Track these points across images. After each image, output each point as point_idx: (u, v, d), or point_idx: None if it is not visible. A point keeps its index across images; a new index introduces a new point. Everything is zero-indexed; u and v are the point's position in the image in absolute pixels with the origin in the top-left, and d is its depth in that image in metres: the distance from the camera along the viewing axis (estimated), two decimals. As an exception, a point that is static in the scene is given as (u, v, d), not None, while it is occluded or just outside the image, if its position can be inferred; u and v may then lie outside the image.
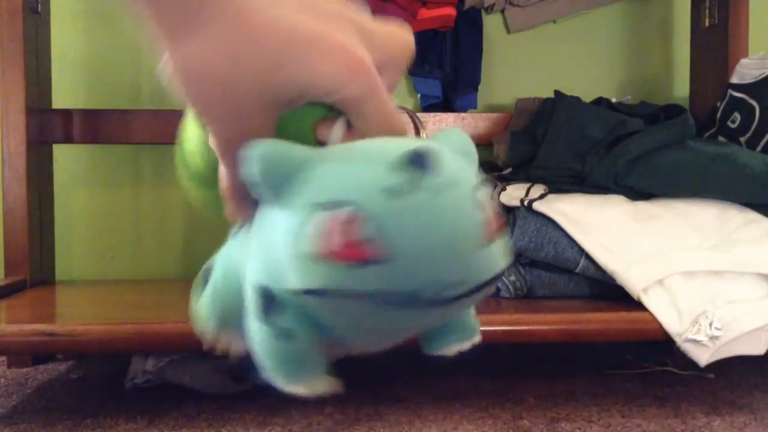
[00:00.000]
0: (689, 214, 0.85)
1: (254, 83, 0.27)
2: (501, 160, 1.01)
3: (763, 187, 0.85)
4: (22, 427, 0.71)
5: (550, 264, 0.82)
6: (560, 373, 0.90)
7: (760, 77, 0.97)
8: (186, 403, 0.78)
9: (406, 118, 0.28)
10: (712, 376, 0.87)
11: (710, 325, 0.70)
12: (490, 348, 1.03)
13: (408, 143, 0.27)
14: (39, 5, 0.95)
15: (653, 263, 0.77)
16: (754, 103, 0.96)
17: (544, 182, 0.89)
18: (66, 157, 1.10)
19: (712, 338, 0.70)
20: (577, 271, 0.81)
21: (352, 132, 0.29)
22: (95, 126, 1.01)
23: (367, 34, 0.29)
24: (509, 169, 0.95)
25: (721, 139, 1.00)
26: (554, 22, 1.20)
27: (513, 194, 0.86)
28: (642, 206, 0.86)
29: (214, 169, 0.32)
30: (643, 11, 1.22)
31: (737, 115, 0.98)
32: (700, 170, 0.86)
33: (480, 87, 1.15)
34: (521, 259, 0.83)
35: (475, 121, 1.10)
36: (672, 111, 0.95)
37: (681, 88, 1.21)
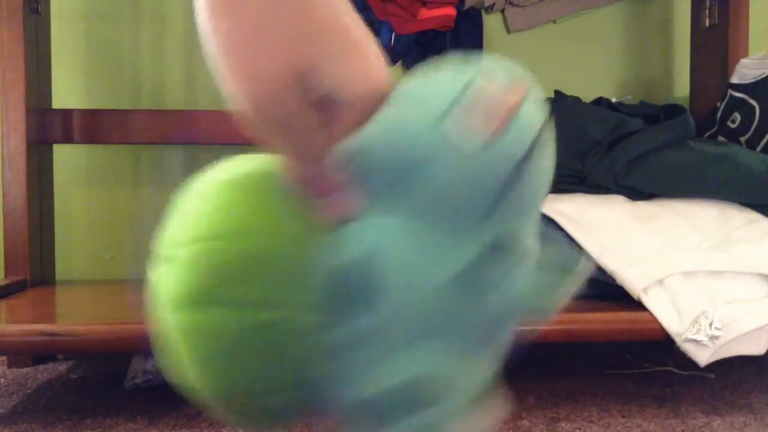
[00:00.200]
0: (689, 214, 0.85)
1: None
2: (501, 160, 1.01)
3: (763, 187, 0.85)
4: (22, 427, 0.71)
5: (550, 264, 0.82)
6: (560, 373, 0.90)
7: (760, 77, 0.97)
8: (186, 403, 0.78)
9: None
10: (712, 376, 0.87)
11: (710, 325, 0.70)
12: (490, 348, 1.03)
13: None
14: (39, 5, 0.95)
15: (653, 263, 0.77)
16: (754, 103, 0.96)
17: (544, 182, 0.89)
18: (66, 157, 1.10)
19: (712, 338, 0.70)
20: (577, 271, 0.81)
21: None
22: (95, 126, 1.01)
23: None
24: (509, 169, 0.95)
25: (721, 139, 1.00)
26: (554, 22, 1.20)
27: (513, 194, 0.86)
28: (642, 206, 0.86)
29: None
30: (643, 11, 1.22)
31: (737, 115, 0.98)
32: (700, 170, 0.86)
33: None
34: (521, 259, 0.83)
35: (475, 121, 1.09)
36: (672, 111, 0.95)
37: (681, 88, 1.21)
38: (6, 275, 0.93)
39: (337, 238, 0.29)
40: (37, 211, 0.96)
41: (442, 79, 0.31)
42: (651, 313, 0.73)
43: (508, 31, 1.19)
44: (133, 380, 0.82)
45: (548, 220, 0.82)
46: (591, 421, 0.73)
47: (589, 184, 0.89)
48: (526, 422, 0.73)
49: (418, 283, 0.29)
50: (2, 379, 0.89)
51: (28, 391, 0.84)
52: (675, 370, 0.89)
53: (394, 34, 1.11)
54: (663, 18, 1.23)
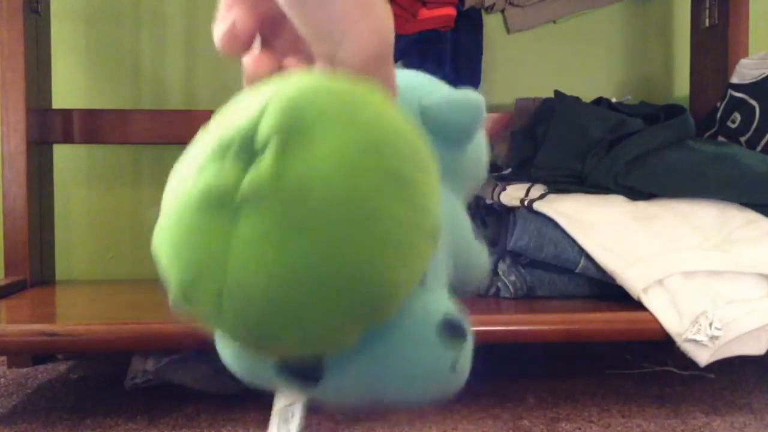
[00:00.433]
0: (689, 214, 0.85)
1: None
2: (501, 160, 1.01)
3: (763, 187, 0.85)
4: (22, 427, 0.71)
5: (550, 264, 0.82)
6: (560, 373, 0.90)
7: (760, 77, 0.97)
8: (186, 403, 0.78)
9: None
10: (712, 376, 0.87)
11: (710, 325, 0.70)
12: (490, 348, 1.03)
13: None
14: (39, 5, 0.95)
15: (653, 263, 0.77)
16: (754, 103, 0.96)
17: (544, 182, 0.89)
18: (66, 157, 1.10)
19: (712, 338, 0.70)
20: (577, 271, 0.81)
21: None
22: (95, 126, 1.01)
23: None
24: (509, 169, 0.95)
25: (721, 139, 1.00)
26: (554, 22, 1.20)
27: (513, 194, 0.86)
28: (642, 206, 0.86)
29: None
30: (643, 11, 1.22)
31: (737, 115, 0.98)
32: (700, 170, 0.86)
33: (480, 87, 1.15)
34: (521, 259, 0.83)
35: (475, 121, 1.09)
36: (672, 111, 0.95)
37: (681, 88, 1.21)
38: (6, 275, 0.93)
39: None
40: (37, 211, 0.96)
41: None
42: (651, 313, 0.73)
43: (508, 31, 1.19)
44: (133, 380, 0.82)
45: (548, 220, 0.82)
46: (591, 421, 0.73)
47: (589, 184, 0.89)
48: (526, 422, 0.73)
49: (447, 236, 0.35)
50: (2, 379, 0.89)
51: (28, 391, 0.84)
52: (675, 370, 0.89)
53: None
54: (663, 18, 1.23)
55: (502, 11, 1.18)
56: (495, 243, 0.86)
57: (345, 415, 0.74)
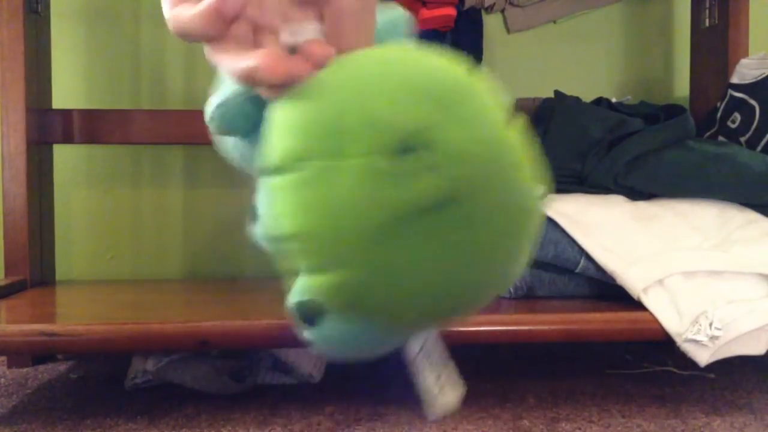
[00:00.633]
0: (689, 214, 0.85)
1: None
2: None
3: (763, 187, 0.85)
4: (22, 427, 0.71)
5: (550, 264, 0.82)
6: (560, 373, 0.90)
7: (760, 77, 0.97)
8: (186, 403, 0.78)
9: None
10: (712, 376, 0.87)
11: (710, 325, 0.70)
12: (490, 348, 1.03)
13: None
14: (39, 5, 0.95)
15: (653, 263, 0.77)
16: (754, 103, 0.96)
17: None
18: (66, 157, 1.10)
19: (712, 338, 0.70)
20: (577, 271, 0.81)
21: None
22: (95, 126, 1.01)
23: None
24: (509, 169, 0.95)
25: (721, 139, 1.00)
26: (554, 22, 1.20)
27: (513, 194, 0.86)
28: (642, 206, 0.86)
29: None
30: (643, 11, 1.22)
31: (737, 115, 0.98)
32: (700, 170, 0.86)
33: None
34: (521, 259, 0.83)
35: (475, 121, 1.09)
36: (672, 111, 0.95)
37: (681, 88, 1.22)
38: (6, 275, 0.93)
39: None
40: (37, 211, 0.96)
41: None
42: (651, 313, 0.73)
43: (508, 31, 1.19)
44: (133, 380, 0.82)
45: (548, 220, 0.82)
46: (591, 421, 0.73)
47: (589, 184, 0.89)
48: (526, 422, 0.73)
49: None
50: (2, 379, 0.89)
51: (28, 391, 0.84)
52: (675, 370, 0.89)
53: (394, 34, 1.11)
54: (663, 18, 1.23)
55: (502, 11, 1.18)
56: (495, 243, 0.86)
57: (344, 415, 0.74)
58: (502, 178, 0.31)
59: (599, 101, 1.01)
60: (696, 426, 0.72)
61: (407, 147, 0.29)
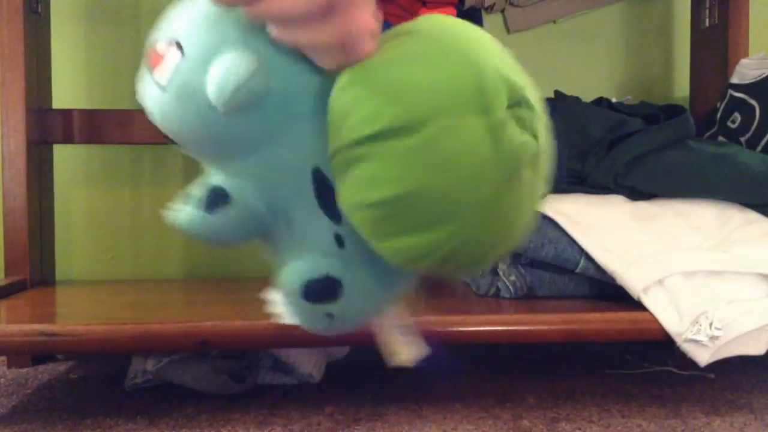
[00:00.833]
0: (689, 214, 0.85)
1: None
2: (501, 160, 1.01)
3: (763, 187, 0.85)
4: (22, 427, 0.71)
5: (550, 264, 0.82)
6: (560, 373, 0.90)
7: (760, 77, 0.97)
8: (186, 403, 0.78)
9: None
10: (712, 376, 0.87)
11: (710, 325, 0.70)
12: (490, 348, 1.03)
13: None
14: (39, 5, 0.95)
15: (653, 263, 0.77)
16: (754, 103, 0.96)
17: (544, 182, 0.89)
18: (66, 157, 1.10)
19: (712, 338, 0.70)
20: (577, 271, 0.81)
21: None
22: (95, 126, 1.01)
23: None
24: (509, 169, 0.95)
25: (721, 139, 1.00)
26: (554, 22, 1.20)
27: (513, 194, 0.86)
28: (642, 206, 0.86)
29: None
30: (643, 11, 1.23)
31: (737, 115, 0.98)
32: (700, 170, 0.86)
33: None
34: (521, 259, 0.83)
35: (475, 121, 1.10)
36: (672, 111, 0.95)
37: (681, 88, 1.21)
38: (6, 275, 0.93)
39: None
40: (37, 211, 0.96)
41: None
42: (651, 313, 0.73)
43: (508, 31, 1.19)
44: (133, 380, 0.82)
45: (548, 220, 0.82)
46: (591, 421, 0.73)
47: (589, 184, 0.89)
48: (526, 422, 0.73)
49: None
50: (2, 379, 0.89)
51: (28, 391, 0.84)
52: (675, 370, 0.89)
53: (394, 34, 1.11)
54: (663, 18, 1.23)
55: (502, 11, 1.18)
56: (495, 243, 0.86)
57: (344, 415, 0.74)
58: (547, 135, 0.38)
59: (599, 101, 1.01)
60: (696, 426, 0.72)
61: (515, 103, 0.35)
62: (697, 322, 0.71)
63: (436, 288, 0.91)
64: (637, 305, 0.74)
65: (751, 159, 0.87)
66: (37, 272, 0.95)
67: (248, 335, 0.68)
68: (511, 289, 0.82)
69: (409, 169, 0.32)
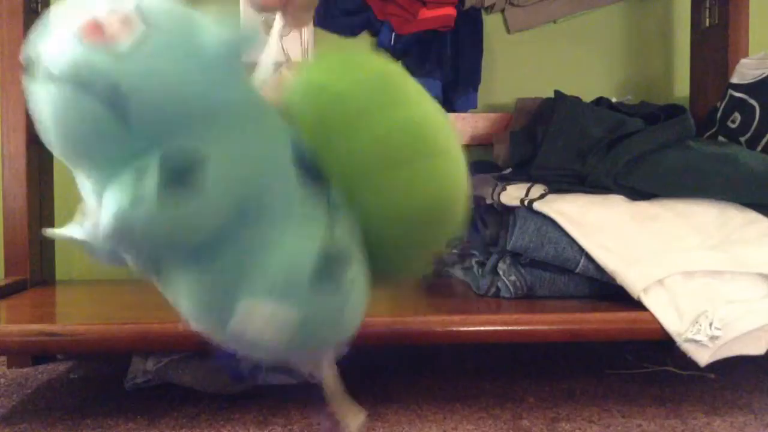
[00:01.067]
0: (689, 214, 0.85)
1: None
2: (501, 160, 1.01)
3: (763, 187, 0.85)
4: (22, 427, 0.71)
5: (550, 264, 0.82)
6: (560, 373, 0.90)
7: (760, 77, 0.97)
8: (186, 403, 0.78)
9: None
10: (712, 376, 0.87)
11: (710, 325, 0.70)
12: (490, 348, 1.03)
13: None
14: (39, 5, 0.95)
15: (653, 263, 0.77)
16: (754, 103, 0.96)
17: (544, 182, 0.89)
18: (66, 157, 1.09)
19: (712, 338, 0.70)
20: (577, 271, 0.81)
21: None
22: (95, 126, 1.01)
23: None
24: (509, 169, 0.95)
25: (721, 139, 1.00)
26: (554, 22, 1.20)
27: (513, 194, 0.86)
28: (642, 206, 0.86)
29: None
30: (643, 11, 1.22)
31: (737, 115, 0.98)
32: (700, 170, 0.86)
33: (480, 87, 1.15)
34: (521, 259, 0.83)
35: (475, 121, 1.10)
36: (672, 111, 0.95)
37: (681, 88, 1.21)
38: (6, 275, 0.93)
39: None
40: (37, 211, 0.96)
41: None
42: (651, 313, 0.73)
43: (508, 31, 1.19)
44: (133, 380, 0.82)
45: (548, 220, 0.82)
46: (591, 421, 0.73)
47: (589, 184, 0.89)
48: (526, 422, 0.73)
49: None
50: (2, 379, 0.89)
51: (28, 391, 0.84)
52: (675, 370, 0.89)
53: (394, 34, 1.11)
54: (663, 18, 1.23)
55: (502, 11, 1.18)
56: (495, 243, 0.86)
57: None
58: None
59: (599, 101, 1.01)
60: (696, 426, 0.72)
61: None
62: (697, 322, 0.71)
63: (436, 288, 0.91)
64: (637, 305, 0.74)
65: (752, 159, 0.87)
66: (37, 272, 0.95)
67: (248, 335, 0.68)
68: (511, 289, 0.82)
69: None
